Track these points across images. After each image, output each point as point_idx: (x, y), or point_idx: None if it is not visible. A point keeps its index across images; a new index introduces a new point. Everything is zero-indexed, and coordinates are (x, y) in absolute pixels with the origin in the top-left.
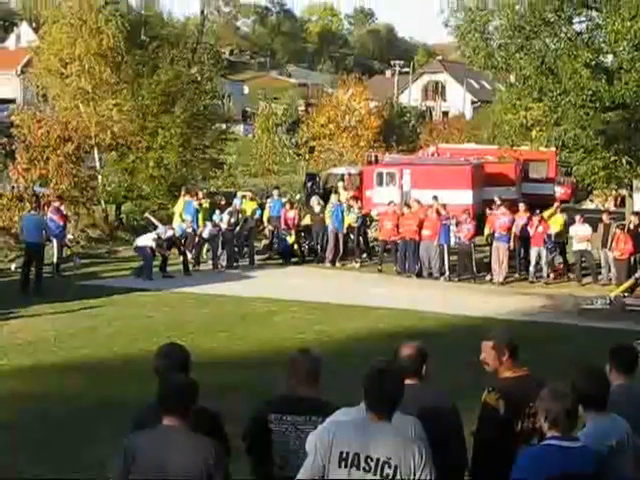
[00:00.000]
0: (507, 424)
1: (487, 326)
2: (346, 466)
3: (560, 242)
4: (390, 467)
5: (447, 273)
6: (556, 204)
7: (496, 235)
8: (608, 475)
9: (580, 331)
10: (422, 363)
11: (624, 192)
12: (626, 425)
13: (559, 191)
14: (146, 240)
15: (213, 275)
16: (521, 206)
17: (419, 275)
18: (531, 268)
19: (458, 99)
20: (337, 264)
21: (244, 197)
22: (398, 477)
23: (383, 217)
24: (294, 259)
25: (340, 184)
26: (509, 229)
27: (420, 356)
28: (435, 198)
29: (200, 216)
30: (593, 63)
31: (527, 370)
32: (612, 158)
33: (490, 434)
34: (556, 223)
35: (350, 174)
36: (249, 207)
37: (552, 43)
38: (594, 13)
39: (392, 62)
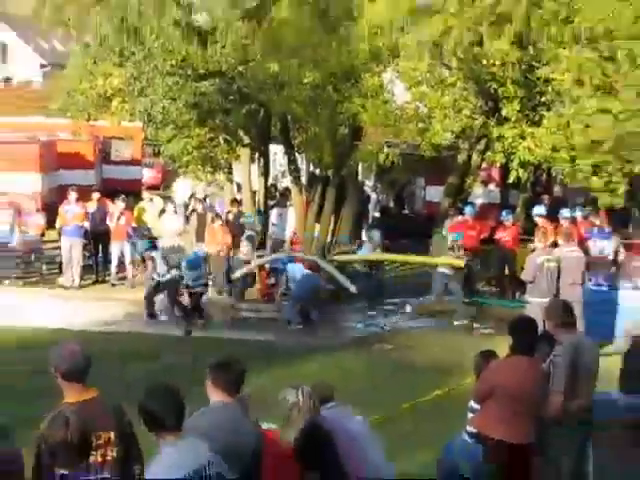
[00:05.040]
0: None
1: (56, 340)
2: None
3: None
4: None
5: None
6: (145, 192)
7: (64, 229)
8: None
9: (175, 343)
10: None
11: (221, 177)
12: (207, 451)
13: (148, 175)
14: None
15: None
16: (94, 195)
17: None
18: (113, 268)
19: (24, 62)
20: None
21: None
22: None
23: None
24: None
25: None
26: (82, 219)
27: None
28: None
29: None
30: (184, 23)
31: (95, 391)
32: (208, 136)
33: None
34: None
35: None
36: None
37: None
38: None
39: None
